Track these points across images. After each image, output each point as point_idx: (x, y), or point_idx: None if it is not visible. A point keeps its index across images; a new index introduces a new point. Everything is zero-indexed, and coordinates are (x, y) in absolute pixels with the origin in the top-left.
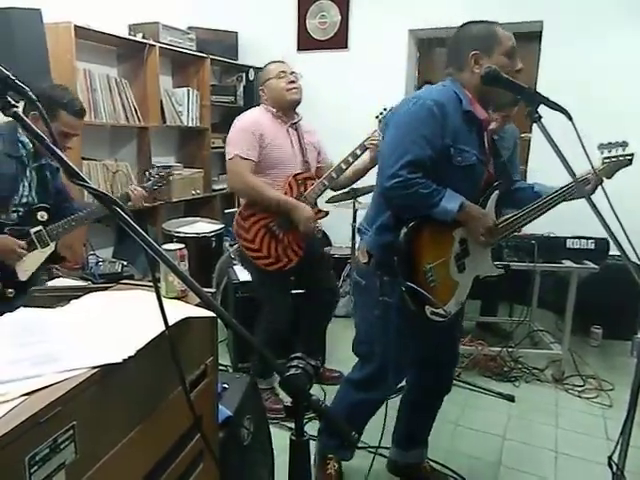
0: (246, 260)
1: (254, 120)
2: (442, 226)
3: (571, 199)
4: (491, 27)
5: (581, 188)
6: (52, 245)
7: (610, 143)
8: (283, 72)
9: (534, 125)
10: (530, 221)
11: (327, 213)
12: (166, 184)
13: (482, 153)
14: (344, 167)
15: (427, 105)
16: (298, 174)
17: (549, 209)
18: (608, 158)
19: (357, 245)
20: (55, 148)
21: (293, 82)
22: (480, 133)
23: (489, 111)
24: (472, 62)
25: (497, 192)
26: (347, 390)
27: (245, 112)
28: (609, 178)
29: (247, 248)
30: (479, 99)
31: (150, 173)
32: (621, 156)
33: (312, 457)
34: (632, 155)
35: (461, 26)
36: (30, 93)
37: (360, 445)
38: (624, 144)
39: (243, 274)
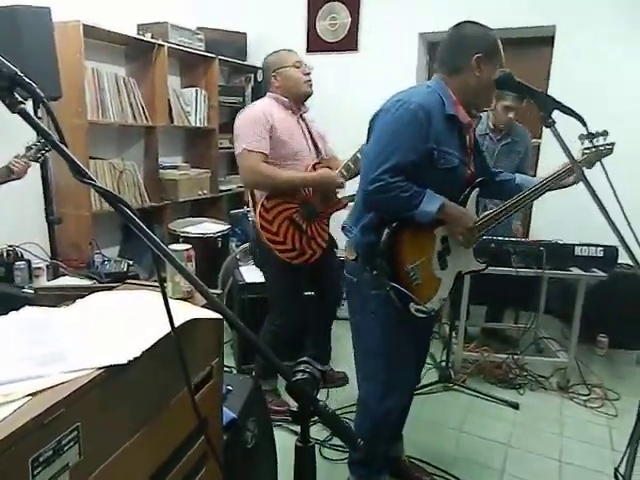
0: (264, 256)
1: (263, 110)
2: (423, 225)
3: (557, 188)
4: (492, 34)
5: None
6: None
7: (590, 134)
8: (299, 62)
9: (544, 131)
10: (510, 215)
11: (346, 205)
12: (49, 150)
13: (464, 154)
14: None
15: (412, 109)
16: (317, 164)
17: (528, 203)
18: (588, 149)
19: (344, 244)
20: (62, 145)
21: (309, 74)
22: (462, 135)
23: (473, 111)
24: (475, 64)
25: (477, 190)
26: (364, 408)
27: (253, 103)
28: (589, 168)
29: (271, 241)
30: (467, 102)
31: (32, 141)
32: (601, 146)
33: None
34: (612, 144)
35: (459, 25)
36: (37, 90)
37: None
38: (604, 134)
39: (249, 275)
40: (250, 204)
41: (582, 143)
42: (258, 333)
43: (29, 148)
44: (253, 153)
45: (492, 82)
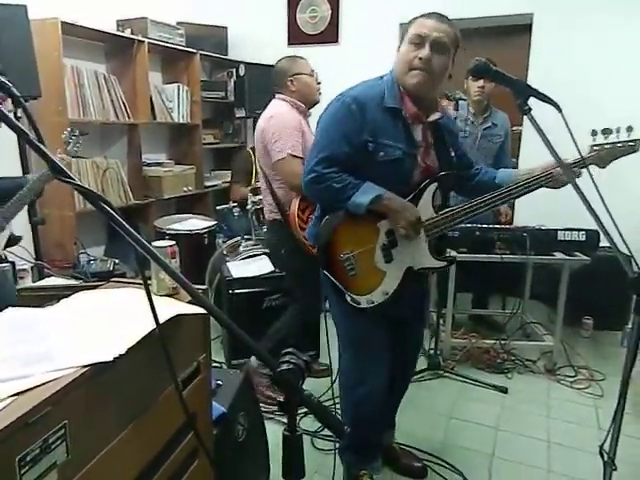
0: (290, 251)
1: (295, 117)
2: (365, 217)
3: (552, 187)
4: (415, 18)
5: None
6: (7, 228)
7: (606, 129)
8: (313, 71)
9: (525, 117)
10: (474, 216)
11: None
12: (82, 142)
13: (411, 147)
14: None
15: (346, 102)
16: None
17: (498, 205)
18: (598, 145)
19: None
20: (39, 144)
21: (320, 83)
22: (406, 127)
23: (438, 99)
24: (396, 53)
25: (435, 185)
26: (342, 394)
27: (276, 107)
28: (602, 167)
29: (307, 238)
30: (404, 89)
31: (66, 136)
32: (618, 143)
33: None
34: (636, 142)
35: None
36: (13, 89)
37: None
38: (629, 129)
39: (237, 270)
40: (265, 200)
41: (594, 139)
42: (247, 328)
43: (67, 142)
44: (297, 159)
45: (401, 58)
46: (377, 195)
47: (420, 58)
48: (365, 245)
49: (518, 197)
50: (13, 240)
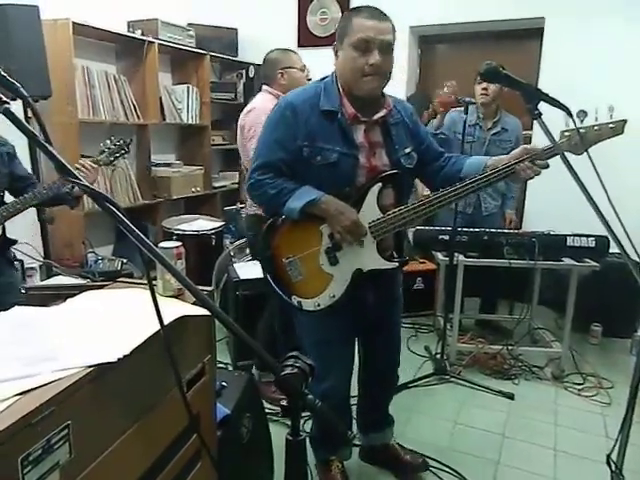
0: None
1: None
2: (308, 221)
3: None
4: (351, 17)
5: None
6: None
7: (582, 111)
8: (304, 67)
9: (535, 123)
10: (426, 215)
11: None
12: (127, 152)
13: (350, 148)
14: None
15: (281, 108)
16: None
17: (451, 202)
18: (568, 131)
19: None
20: (47, 145)
21: (310, 80)
22: (342, 128)
23: (385, 97)
24: (334, 53)
25: (379, 185)
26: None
27: (258, 100)
28: (577, 154)
29: None
30: (348, 91)
31: (105, 144)
32: (596, 126)
33: (314, 463)
34: (617, 123)
35: None
36: (21, 89)
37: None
38: (611, 109)
39: (243, 271)
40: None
41: (566, 124)
42: (253, 329)
43: (102, 151)
44: None
45: (349, 64)
46: (311, 199)
47: (372, 65)
48: (309, 248)
49: (474, 192)
50: (5, 241)
